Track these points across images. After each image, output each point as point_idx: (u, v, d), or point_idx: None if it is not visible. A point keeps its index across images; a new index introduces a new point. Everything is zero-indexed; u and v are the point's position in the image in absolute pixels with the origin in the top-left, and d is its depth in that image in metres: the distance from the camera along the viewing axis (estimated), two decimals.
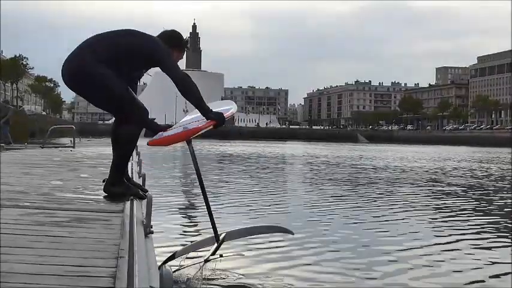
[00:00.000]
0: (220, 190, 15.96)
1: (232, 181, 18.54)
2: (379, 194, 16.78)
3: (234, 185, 17.63)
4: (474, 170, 29.05)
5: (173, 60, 5.03)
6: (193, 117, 5.42)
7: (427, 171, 27.33)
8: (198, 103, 4.99)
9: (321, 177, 23.00)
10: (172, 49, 5.15)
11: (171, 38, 5.26)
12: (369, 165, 30.84)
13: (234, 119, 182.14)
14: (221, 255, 5.32)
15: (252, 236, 7.08)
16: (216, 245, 5.32)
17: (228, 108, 5.47)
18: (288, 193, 16.75)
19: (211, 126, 4.99)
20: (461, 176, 24.36)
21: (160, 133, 5.16)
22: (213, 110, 5.06)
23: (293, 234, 5.86)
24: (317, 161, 34.82)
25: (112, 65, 4.84)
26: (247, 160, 30.77)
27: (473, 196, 17.03)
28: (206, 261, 5.43)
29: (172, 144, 5.34)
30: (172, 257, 5.56)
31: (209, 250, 5.45)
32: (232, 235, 5.72)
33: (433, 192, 17.69)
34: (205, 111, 5.01)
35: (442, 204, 15.00)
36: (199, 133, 5.06)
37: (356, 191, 17.35)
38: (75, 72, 4.88)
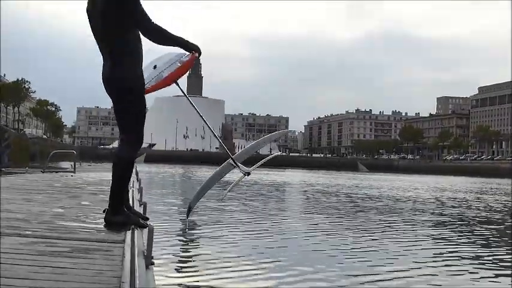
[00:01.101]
0: (210, 217, 16.05)
1: (221, 208, 18.56)
2: (365, 222, 17.00)
3: (223, 213, 17.69)
4: (469, 200, 29.15)
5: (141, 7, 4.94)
6: (165, 62, 5.37)
7: (420, 201, 27.52)
8: (174, 40, 5.06)
9: (311, 206, 23.17)
10: None
11: None
12: (363, 194, 30.95)
13: (234, 146, 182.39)
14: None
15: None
16: None
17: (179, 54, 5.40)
18: (273, 221, 16.77)
19: (197, 56, 5.13)
20: (453, 207, 24.50)
21: (151, 76, 5.13)
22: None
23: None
24: (312, 190, 34.88)
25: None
26: (241, 187, 30.86)
27: (460, 227, 17.24)
28: None
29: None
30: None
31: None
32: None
33: (419, 222, 17.89)
34: (183, 43, 5.10)
35: (426, 234, 15.13)
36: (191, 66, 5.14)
37: (343, 220, 17.60)
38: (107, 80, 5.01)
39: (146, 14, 4.90)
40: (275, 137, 6.58)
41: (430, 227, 16.89)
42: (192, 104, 5.44)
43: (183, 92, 5.26)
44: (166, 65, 5.20)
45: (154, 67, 5.22)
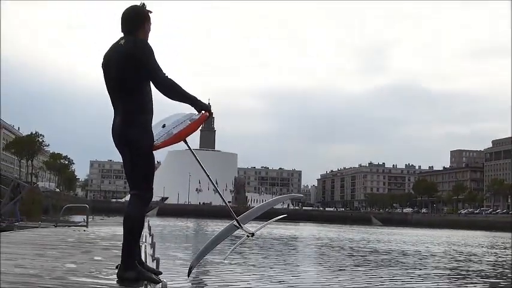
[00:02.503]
0: (217, 272, 16.25)
1: (226, 263, 18.67)
2: (362, 275, 17.48)
3: (229, 268, 17.81)
4: (474, 254, 29.25)
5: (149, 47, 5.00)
6: (174, 121, 5.39)
7: (426, 254, 27.88)
8: (185, 97, 5.04)
9: (312, 259, 23.61)
10: (139, 27, 5.12)
11: (135, 19, 5.16)
12: (369, 248, 31.11)
13: (247, 199, 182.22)
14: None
15: None
16: None
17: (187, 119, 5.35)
18: (274, 276, 16.98)
19: (208, 116, 5.08)
20: (459, 260, 24.77)
21: (160, 134, 5.13)
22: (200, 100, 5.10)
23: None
24: (318, 243, 35.16)
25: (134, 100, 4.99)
26: (247, 241, 31.17)
27: (459, 281, 17.54)
28: None
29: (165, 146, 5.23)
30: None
31: None
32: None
33: (418, 276, 18.30)
34: (194, 101, 5.05)
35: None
36: (201, 126, 5.11)
37: (340, 272, 18.24)
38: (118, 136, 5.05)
39: (159, 67, 4.98)
40: (284, 199, 6.44)
41: (427, 280, 17.12)
42: (197, 159, 5.44)
43: (189, 148, 5.28)
44: (176, 124, 5.22)
45: (163, 126, 5.26)
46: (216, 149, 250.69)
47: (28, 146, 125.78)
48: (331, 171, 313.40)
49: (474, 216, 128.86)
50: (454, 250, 32.48)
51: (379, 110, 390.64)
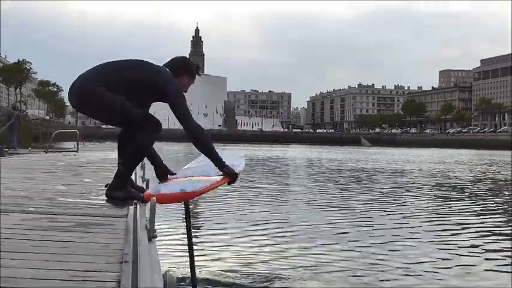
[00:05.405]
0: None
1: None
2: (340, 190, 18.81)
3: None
4: (445, 170, 30.98)
5: (182, 95, 5.03)
6: (201, 165, 5.44)
7: (406, 171, 29.34)
8: (211, 156, 4.98)
9: (285, 176, 25.81)
10: (183, 75, 5.21)
11: (183, 66, 5.27)
12: (353, 167, 32.01)
13: (236, 123, 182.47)
14: None
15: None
16: None
17: (236, 164, 5.35)
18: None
19: (226, 183, 4.96)
20: (441, 176, 26.14)
21: (168, 186, 4.98)
22: (226, 164, 4.97)
23: None
24: (292, 163, 37.42)
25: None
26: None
27: (435, 195, 18.48)
28: None
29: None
30: None
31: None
32: None
33: (395, 191, 19.36)
34: (219, 163, 4.95)
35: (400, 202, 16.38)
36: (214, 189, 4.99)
37: (318, 188, 19.59)
38: (82, 94, 4.95)
39: (190, 115, 4.97)
40: None
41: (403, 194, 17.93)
42: None
43: None
44: (204, 169, 5.18)
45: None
46: (205, 73, 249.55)
47: (16, 73, 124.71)
48: (321, 93, 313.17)
49: (462, 135, 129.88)
50: (428, 167, 33.35)
51: (369, 34, 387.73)
